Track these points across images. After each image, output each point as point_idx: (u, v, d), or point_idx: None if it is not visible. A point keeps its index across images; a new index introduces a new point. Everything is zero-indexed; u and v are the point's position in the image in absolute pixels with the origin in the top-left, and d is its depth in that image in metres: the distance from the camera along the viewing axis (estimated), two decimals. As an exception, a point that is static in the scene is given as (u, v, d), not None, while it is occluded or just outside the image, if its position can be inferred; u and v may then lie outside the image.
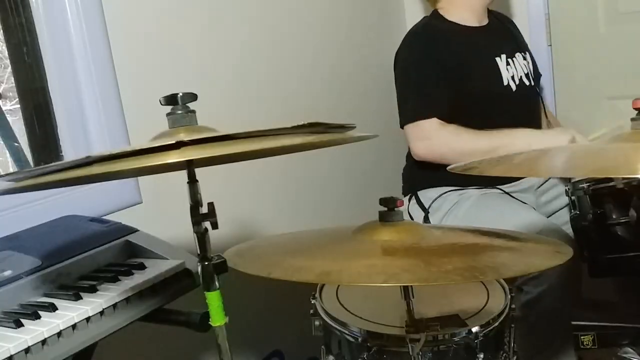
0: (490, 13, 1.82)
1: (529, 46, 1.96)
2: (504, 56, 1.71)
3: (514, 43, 1.81)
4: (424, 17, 1.80)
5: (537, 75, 1.83)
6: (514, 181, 1.69)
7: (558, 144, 1.51)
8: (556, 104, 2.17)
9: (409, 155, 1.84)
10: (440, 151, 1.59)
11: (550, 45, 2.12)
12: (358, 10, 2.15)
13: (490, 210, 1.58)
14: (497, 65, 1.69)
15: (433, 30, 1.71)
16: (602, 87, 2.05)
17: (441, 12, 1.77)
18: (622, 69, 1.99)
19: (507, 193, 1.68)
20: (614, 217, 1.31)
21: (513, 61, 1.73)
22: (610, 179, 1.32)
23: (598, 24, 2.03)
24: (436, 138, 1.59)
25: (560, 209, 1.69)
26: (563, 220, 1.62)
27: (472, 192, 1.65)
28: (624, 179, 1.28)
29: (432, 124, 1.59)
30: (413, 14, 2.29)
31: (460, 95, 1.61)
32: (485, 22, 1.79)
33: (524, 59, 1.78)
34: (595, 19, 2.03)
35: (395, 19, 2.33)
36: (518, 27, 1.97)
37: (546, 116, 1.88)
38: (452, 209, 1.65)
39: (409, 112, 1.63)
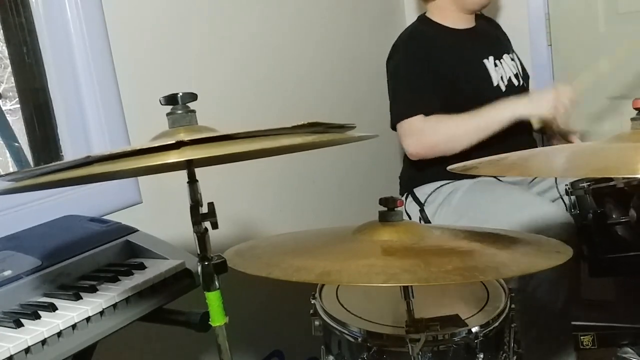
0: (478, 16, 1.83)
1: (529, 46, 1.96)
2: (491, 58, 1.73)
3: (501, 44, 1.83)
4: (412, 22, 1.81)
5: (526, 75, 1.84)
6: None
7: (542, 101, 1.53)
8: (556, 104, 2.16)
9: (405, 157, 1.84)
10: (431, 141, 1.59)
11: (550, 45, 2.12)
12: (358, 10, 2.15)
13: (484, 195, 1.59)
14: (486, 67, 1.71)
15: (421, 34, 1.74)
16: (602, 87, 2.05)
17: (429, 15, 1.79)
18: (622, 69, 1.99)
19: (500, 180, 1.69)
20: (614, 216, 1.31)
21: (501, 62, 1.75)
22: (611, 179, 1.32)
23: (598, 24, 2.03)
24: (423, 130, 1.60)
25: (552, 201, 1.70)
26: None
27: (465, 182, 1.66)
28: (624, 178, 1.28)
29: (418, 119, 1.60)
30: (413, 14, 2.29)
31: (451, 98, 1.62)
32: (472, 24, 1.80)
33: (512, 59, 1.79)
34: (595, 19, 2.03)
35: (395, 19, 2.33)
36: (517, 30, 1.99)
37: None
38: (446, 200, 1.66)
39: (397, 112, 1.65)
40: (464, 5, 1.74)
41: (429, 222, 1.68)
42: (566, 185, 1.46)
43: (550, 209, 1.45)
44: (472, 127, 1.55)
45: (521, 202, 1.51)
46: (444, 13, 1.76)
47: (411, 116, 1.60)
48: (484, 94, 1.68)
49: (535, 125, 1.56)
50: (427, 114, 1.59)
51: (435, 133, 1.59)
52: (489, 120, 1.54)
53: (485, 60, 1.72)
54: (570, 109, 1.53)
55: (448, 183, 1.68)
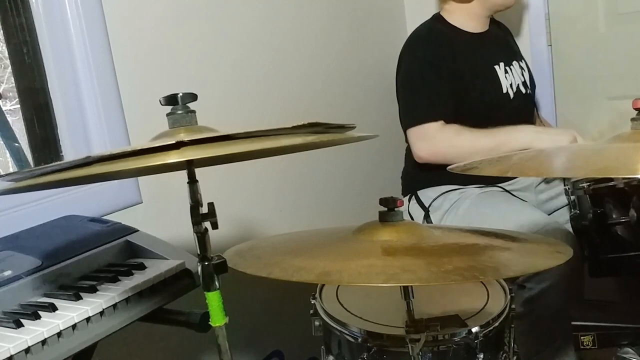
0: (491, 21, 1.83)
1: (529, 46, 1.96)
2: (502, 64, 1.72)
3: (511, 51, 1.82)
4: (427, 20, 1.80)
5: (533, 84, 1.84)
6: (513, 179, 1.69)
7: (559, 143, 1.51)
8: (556, 104, 2.16)
9: (407, 155, 1.84)
10: (443, 151, 1.59)
11: (550, 45, 2.12)
12: (358, 10, 2.15)
13: (491, 209, 1.58)
14: (496, 73, 1.70)
15: (437, 35, 1.72)
16: (602, 87, 2.05)
17: (444, 14, 1.77)
18: (622, 69, 1.99)
19: (507, 191, 1.68)
20: (614, 216, 1.31)
21: (511, 69, 1.74)
22: (611, 179, 1.32)
23: (598, 24, 2.03)
24: (438, 138, 1.59)
25: (561, 207, 1.70)
26: (564, 219, 1.62)
27: (472, 191, 1.65)
28: (624, 178, 1.28)
29: (436, 126, 1.59)
30: (413, 14, 2.30)
31: (460, 102, 1.62)
32: (486, 28, 1.79)
33: (521, 67, 1.79)
34: (595, 19, 2.03)
35: (395, 19, 2.33)
36: (517, 30, 1.98)
37: (540, 121, 1.89)
38: (452, 208, 1.65)
39: (414, 115, 1.64)
40: (491, 7, 1.73)
41: None
42: (566, 185, 1.46)
43: (557, 233, 1.45)
44: (486, 147, 1.55)
45: (529, 221, 1.50)
46: (460, 15, 1.74)
47: (428, 122, 1.59)
48: (493, 100, 1.68)
49: None
50: (445, 121, 1.59)
51: (451, 145, 1.58)
52: (505, 144, 1.54)
53: (496, 66, 1.71)
54: None
55: (454, 190, 1.67)
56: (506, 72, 1.72)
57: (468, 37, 1.74)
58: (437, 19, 1.78)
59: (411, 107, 1.67)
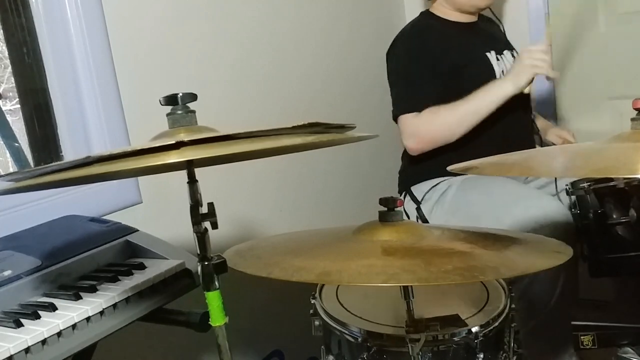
0: (480, 15, 1.85)
1: (529, 46, 1.95)
2: (493, 52, 1.74)
3: (502, 41, 1.84)
4: (415, 17, 1.82)
5: None
6: None
7: (524, 76, 1.52)
8: (556, 104, 2.17)
9: (404, 155, 1.85)
10: (428, 136, 1.60)
11: (550, 45, 2.12)
12: (358, 9, 2.15)
13: (476, 190, 1.60)
14: (488, 59, 1.72)
15: (423, 27, 1.75)
16: (602, 87, 2.05)
17: (432, 10, 1.81)
18: (622, 69, 1.99)
19: None
20: (614, 216, 1.31)
21: (502, 57, 1.76)
22: (611, 179, 1.32)
23: (598, 24, 2.03)
24: (419, 126, 1.60)
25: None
26: None
27: (459, 178, 1.67)
28: (624, 178, 1.28)
29: (410, 116, 1.61)
30: (413, 13, 2.29)
31: (452, 89, 1.62)
32: (474, 19, 1.82)
33: (513, 56, 1.80)
34: (595, 19, 2.03)
35: (395, 18, 2.33)
36: (517, 30, 1.99)
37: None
38: (441, 197, 1.67)
39: (397, 107, 1.67)
40: (459, 8, 1.76)
41: (426, 220, 1.69)
42: (566, 185, 1.46)
43: (545, 202, 1.46)
44: (464, 114, 1.56)
45: (515, 196, 1.52)
46: (446, 10, 1.78)
47: (406, 113, 1.62)
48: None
49: (526, 91, 1.56)
50: (420, 111, 1.60)
51: (430, 127, 1.59)
52: (480, 104, 1.55)
53: (487, 53, 1.73)
54: (548, 57, 1.54)
55: (443, 180, 1.69)
56: (497, 59, 1.74)
57: (457, 26, 1.77)
58: (424, 14, 1.82)
59: (395, 99, 1.70)
